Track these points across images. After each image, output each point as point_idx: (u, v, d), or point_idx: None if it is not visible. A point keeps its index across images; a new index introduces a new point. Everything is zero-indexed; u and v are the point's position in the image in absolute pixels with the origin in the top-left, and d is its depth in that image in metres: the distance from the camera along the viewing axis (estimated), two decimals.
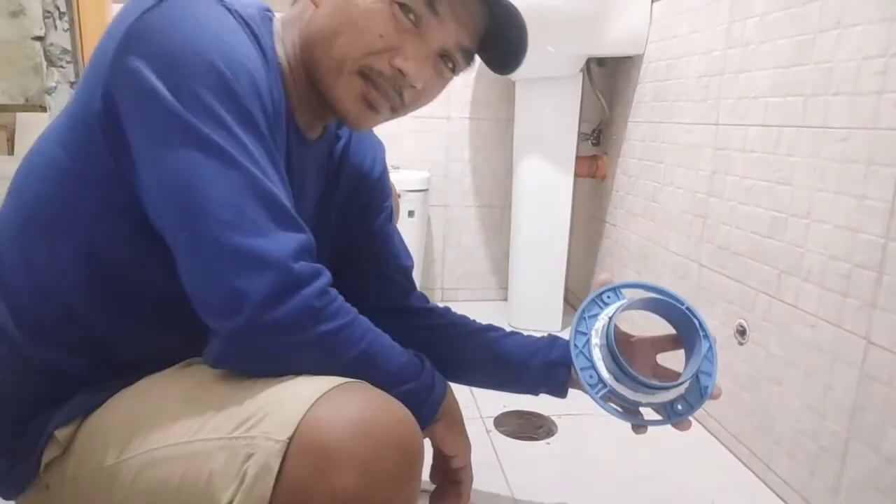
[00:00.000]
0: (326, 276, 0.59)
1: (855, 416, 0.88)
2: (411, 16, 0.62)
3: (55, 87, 1.74)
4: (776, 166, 1.05)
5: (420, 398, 0.65)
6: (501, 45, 0.69)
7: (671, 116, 1.41)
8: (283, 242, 0.55)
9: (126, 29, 0.55)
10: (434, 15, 0.63)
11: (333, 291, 0.59)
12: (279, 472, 0.51)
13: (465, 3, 0.64)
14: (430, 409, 0.68)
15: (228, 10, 0.58)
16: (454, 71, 0.68)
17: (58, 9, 1.69)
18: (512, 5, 0.65)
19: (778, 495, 1.04)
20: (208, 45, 0.55)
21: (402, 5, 0.62)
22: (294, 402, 0.53)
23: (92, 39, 1.73)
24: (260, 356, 0.57)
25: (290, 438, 0.51)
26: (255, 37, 0.60)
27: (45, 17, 1.71)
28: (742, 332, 1.14)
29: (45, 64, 1.73)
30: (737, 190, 1.16)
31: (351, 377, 0.57)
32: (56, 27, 1.70)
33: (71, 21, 1.71)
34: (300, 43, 0.66)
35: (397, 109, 0.67)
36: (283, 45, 0.66)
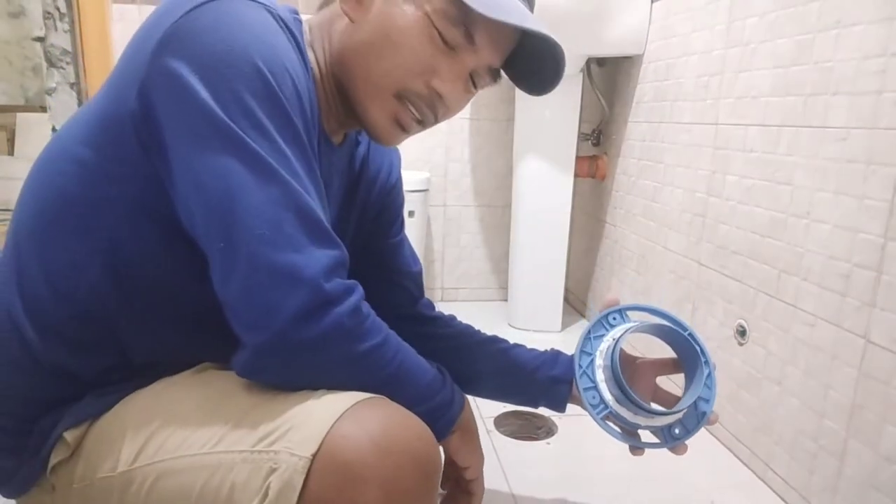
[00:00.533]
0: (359, 293, 0.58)
1: (854, 415, 0.88)
2: (449, 39, 0.63)
3: (55, 88, 1.74)
4: (776, 166, 1.05)
5: (438, 413, 0.66)
6: (533, 65, 0.69)
7: (671, 116, 1.41)
8: (318, 259, 0.54)
9: (166, 29, 0.54)
10: (471, 44, 0.64)
11: (366, 308, 0.59)
12: (302, 487, 0.51)
13: (503, 31, 0.64)
14: (446, 424, 0.68)
15: (270, 12, 0.58)
16: (477, 87, 0.69)
17: (58, 10, 1.70)
18: (552, 40, 0.64)
19: (777, 494, 1.04)
20: (252, 48, 0.54)
21: (439, 31, 0.62)
22: (317, 417, 0.53)
23: (92, 40, 1.73)
24: (286, 371, 0.57)
25: (314, 455, 0.51)
26: (294, 40, 0.59)
27: (45, 18, 1.71)
28: (742, 331, 1.14)
29: (45, 65, 1.73)
30: (736, 189, 1.16)
31: (375, 394, 0.58)
32: (56, 28, 1.70)
33: (71, 22, 1.71)
34: (332, 53, 0.66)
35: (426, 126, 0.68)
36: (313, 51, 0.66)
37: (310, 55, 0.65)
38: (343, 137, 0.74)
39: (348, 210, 0.80)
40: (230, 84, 0.53)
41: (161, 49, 0.54)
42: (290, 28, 0.60)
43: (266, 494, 0.52)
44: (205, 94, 0.52)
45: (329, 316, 0.54)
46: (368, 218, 0.84)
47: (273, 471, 0.52)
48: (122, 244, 0.59)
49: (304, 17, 0.67)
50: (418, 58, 0.62)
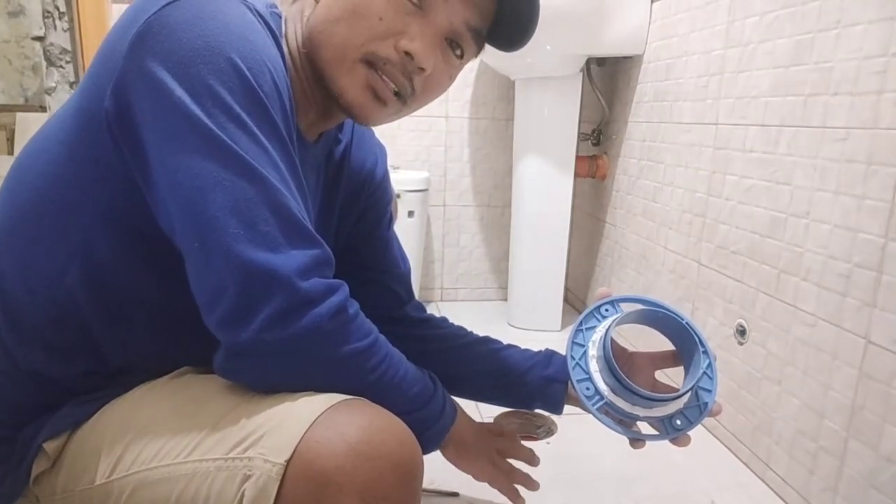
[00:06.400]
0: (343, 293, 0.56)
1: (854, 415, 0.88)
2: None
3: (55, 87, 1.74)
4: (775, 166, 1.05)
5: (423, 426, 0.64)
6: (510, 19, 0.66)
7: (671, 116, 1.41)
8: (295, 258, 0.53)
9: (141, 25, 0.52)
10: None
11: (352, 309, 0.57)
12: (277, 495, 0.49)
13: None
14: (434, 436, 0.67)
15: (248, 7, 0.56)
16: (462, 57, 0.65)
17: (57, 9, 1.69)
18: None
19: (777, 494, 1.04)
20: (229, 44, 0.52)
21: None
22: (292, 421, 0.52)
23: (92, 39, 1.73)
24: (262, 373, 0.55)
25: (288, 461, 0.49)
26: (272, 35, 0.58)
27: (44, 17, 1.71)
28: (742, 331, 1.14)
29: (44, 64, 1.73)
30: (736, 189, 1.16)
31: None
32: (56, 27, 1.70)
33: (71, 21, 1.71)
34: (303, 40, 0.64)
35: (407, 100, 0.64)
36: (288, 43, 0.64)
37: (285, 48, 0.63)
38: (319, 136, 0.72)
39: (329, 208, 0.78)
40: (206, 80, 0.51)
41: (136, 46, 0.52)
42: (269, 23, 0.58)
43: (241, 502, 0.51)
44: (180, 91, 0.51)
45: (306, 317, 0.52)
46: (352, 216, 0.82)
47: (247, 478, 0.51)
48: (95, 246, 0.58)
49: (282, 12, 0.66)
50: (383, 21, 0.59)
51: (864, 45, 0.87)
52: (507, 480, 0.81)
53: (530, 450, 0.83)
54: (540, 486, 0.83)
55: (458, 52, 0.65)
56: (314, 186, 0.74)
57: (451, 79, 0.68)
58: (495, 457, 0.79)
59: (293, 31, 0.64)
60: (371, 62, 0.61)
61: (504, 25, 0.66)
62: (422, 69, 0.62)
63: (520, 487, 0.82)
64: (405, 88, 0.63)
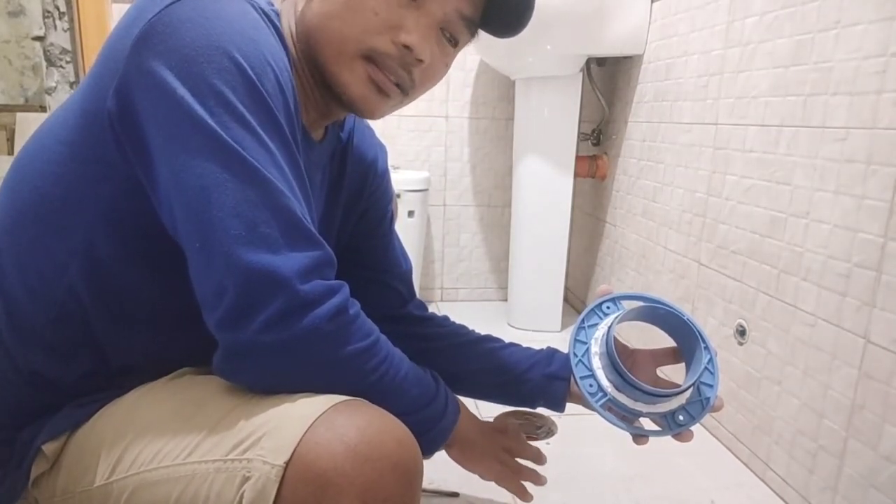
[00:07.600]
0: (343, 294, 0.56)
1: (854, 414, 0.88)
2: None
3: (55, 87, 1.74)
4: (775, 166, 1.05)
5: (425, 427, 0.64)
6: (501, 6, 0.66)
7: (671, 116, 1.41)
8: (295, 260, 0.53)
9: (144, 25, 0.52)
10: None
11: (353, 310, 0.57)
12: (276, 497, 0.49)
13: None
14: (437, 437, 0.67)
15: (252, 5, 0.56)
16: (456, 45, 0.66)
17: (58, 9, 1.70)
18: None
19: (777, 494, 1.05)
20: (231, 42, 0.52)
21: None
22: (291, 423, 0.51)
23: (92, 39, 1.73)
24: (261, 374, 0.55)
25: (287, 463, 0.49)
26: (277, 32, 0.58)
27: (44, 17, 1.71)
28: (742, 331, 1.14)
29: (44, 64, 1.73)
30: (736, 189, 1.16)
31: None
32: (56, 27, 1.71)
33: (71, 21, 1.71)
34: (299, 36, 0.64)
35: (407, 91, 0.65)
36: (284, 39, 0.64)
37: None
38: (324, 133, 0.72)
39: (332, 208, 0.78)
40: (209, 79, 0.51)
41: (139, 45, 0.52)
42: (272, 20, 0.58)
43: None
44: (183, 90, 0.51)
45: (305, 319, 0.52)
46: (355, 213, 0.82)
47: (246, 479, 0.50)
48: (96, 245, 0.58)
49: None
50: (379, 15, 0.60)
51: (864, 45, 0.88)
52: (516, 478, 0.81)
53: (537, 448, 0.83)
54: (547, 480, 0.83)
55: (453, 41, 0.66)
56: (319, 185, 0.74)
57: (447, 67, 0.68)
58: (502, 455, 0.79)
59: (287, 27, 0.64)
60: (370, 57, 0.62)
61: (496, 12, 0.67)
62: (420, 61, 0.62)
63: (527, 484, 0.82)
64: (405, 81, 0.64)
